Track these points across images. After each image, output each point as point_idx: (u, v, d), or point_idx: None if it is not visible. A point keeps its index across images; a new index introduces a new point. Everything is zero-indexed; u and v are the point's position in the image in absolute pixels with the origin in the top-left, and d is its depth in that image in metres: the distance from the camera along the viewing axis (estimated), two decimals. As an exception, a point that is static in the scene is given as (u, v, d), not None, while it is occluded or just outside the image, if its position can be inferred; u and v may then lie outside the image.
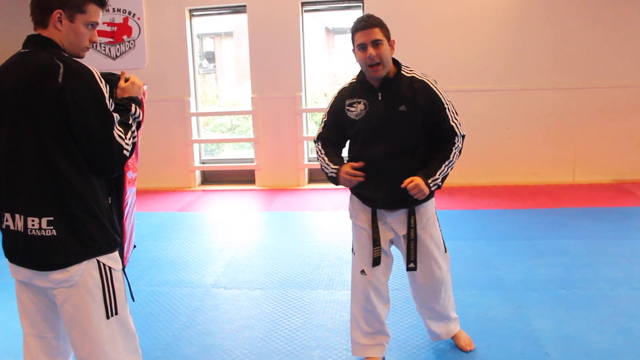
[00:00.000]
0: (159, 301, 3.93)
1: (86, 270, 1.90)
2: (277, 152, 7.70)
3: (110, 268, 1.96)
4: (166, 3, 7.56)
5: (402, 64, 2.74)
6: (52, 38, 1.91)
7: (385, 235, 2.82)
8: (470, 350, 3.09)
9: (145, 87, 2.17)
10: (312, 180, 7.92)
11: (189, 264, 4.66)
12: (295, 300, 3.87)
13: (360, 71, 2.77)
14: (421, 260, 2.83)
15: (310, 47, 7.85)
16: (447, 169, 2.67)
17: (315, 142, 2.92)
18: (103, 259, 1.94)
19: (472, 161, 6.50)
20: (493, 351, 3.10)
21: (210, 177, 8.21)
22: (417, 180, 2.59)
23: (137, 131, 2.05)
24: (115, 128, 1.89)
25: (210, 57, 11.14)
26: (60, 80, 1.79)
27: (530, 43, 7.05)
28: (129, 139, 1.95)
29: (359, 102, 2.71)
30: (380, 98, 2.67)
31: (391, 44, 2.65)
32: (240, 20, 8.22)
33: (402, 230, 2.79)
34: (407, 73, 2.69)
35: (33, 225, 1.85)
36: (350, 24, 2.72)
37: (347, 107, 2.74)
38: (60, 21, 1.89)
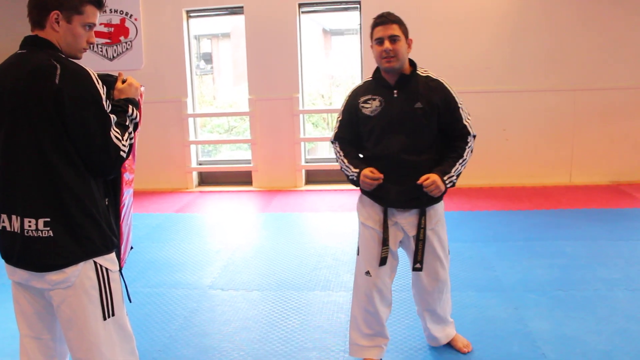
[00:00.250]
0: (156, 302, 3.93)
1: (83, 272, 1.90)
2: (274, 153, 7.69)
3: (107, 269, 1.96)
4: (163, 4, 7.56)
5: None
6: (49, 39, 1.90)
7: (395, 236, 2.82)
8: (468, 352, 3.09)
9: (142, 89, 2.17)
10: (309, 181, 7.92)
11: (186, 266, 4.66)
12: (293, 302, 3.87)
13: (376, 69, 2.79)
14: (427, 262, 2.84)
15: (307, 48, 7.85)
16: (461, 167, 2.70)
17: (332, 142, 2.92)
18: (100, 260, 1.94)
19: (469, 162, 6.44)
20: (490, 352, 3.10)
21: (208, 178, 8.20)
22: (434, 176, 2.61)
23: (134, 132, 2.05)
24: (112, 129, 1.89)
25: (208, 58, 11.14)
26: (57, 81, 1.79)
27: (527, 45, 7.06)
28: (126, 140, 1.95)
29: (374, 99, 2.73)
30: (396, 95, 2.70)
31: (408, 42, 2.69)
32: (237, 22, 8.22)
33: (412, 231, 2.79)
34: (422, 73, 2.75)
35: (30, 226, 1.85)
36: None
37: (362, 104, 2.76)
38: (58, 22, 1.89)
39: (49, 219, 1.84)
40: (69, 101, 1.79)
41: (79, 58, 1.99)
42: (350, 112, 2.82)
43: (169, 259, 4.83)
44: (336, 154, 2.88)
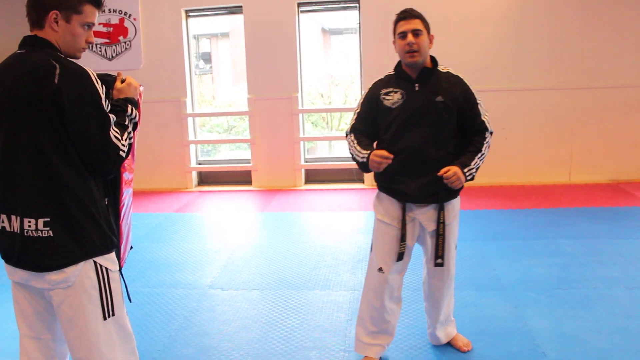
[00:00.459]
0: (156, 302, 3.93)
1: (83, 271, 1.90)
2: (273, 152, 7.69)
3: (107, 269, 1.96)
4: (162, 4, 7.55)
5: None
6: (48, 39, 1.90)
7: (412, 232, 2.84)
8: (468, 351, 3.09)
9: (141, 88, 2.17)
10: (308, 181, 7.92)
11: (186, 265, 4.66)
12: (292, 301, 3.87)
13: (397, 63, 2.82)
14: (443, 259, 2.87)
15: (306, 47, 7.85)
16: (480, 162, 2.72)
17: (347, 134, 2.92)
18: (100, 260, 1.94)
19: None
20: (490, 351, 3.10)
21: (207, 178, 8.20)
22: (455, 168, 2.63)
23: (134, 132, 2.05)
24: (111, 129, 1.89)
25: (207, 57, 11.13)
26: (56, 81, 1.79)
27: (527, 44, 7.07)
28: (126, 140, 1.95)
29: (396, 92, 2.76)
30: (417, 88, 2.73)
31: (430, 37, 2.72)
32: (236, 21, 8.21)
33: (430, 226, 2.81)
34: (443, 69, 2.79)
35: (29, 226, 1.85)
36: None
37: (383, 96, 2.78)
38: (57, 22, 1.89)
39: (48, 219, 1.84)
40: (68, 101, 1.79)
41: (78, 58, 1.99)
42: (371, 103, 2.84)
43: (168, 259, 4.83)
44: (349, 144, 2.86)
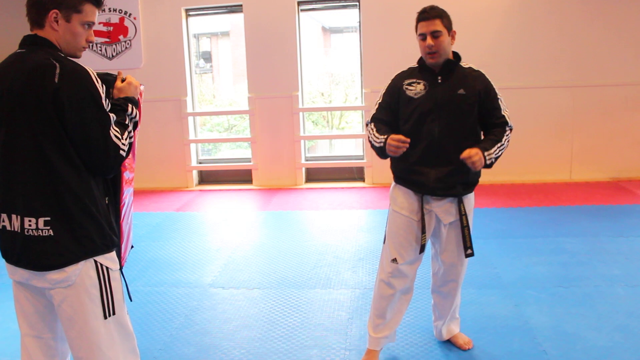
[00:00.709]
0: (157, 301, 3.93)
1: (83, 271, 1.90)
2: (274, 151, 7.70)
3: (107, 268, 1.96)
4: (162, 3, 7.55)
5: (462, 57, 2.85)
6: (48, 38, 1.90)
7: (429, 224, 2.86)
8: (469, 349, 3.10)
9: (141, 87, 2.17)
10: (309, 179, 7.92)
11: (187, 264, 4.66)
12: (293, 300, 3.87)
13: (421, 57, 2.84)
14: (456, 250, 2.90)
15: (306, 46, 7.85)
16: (499, 152, 2.73)
17: (367, 124, 2.93)
18: (100, 259, 1.94)
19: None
20: (491, 349, 3.10)
21: (208, 177, 8.20)
22: (476, 149, 2.63)
23: (134, 131, 2.05)
24: (111, 128, 1.89)
25: (207, 56, 11.13)
26: (56, 80, 1.79)
27: (529, 42, 7.06)
28: (126, 139, 1.95)
29: (419, 83, 2.78)
30: (440, 81, 2.75)
31: (452, 34, 2.74)
32: (236, 20, 8.21)
33: (447, 219, 2.83)
34: (465, 64, 2.82)
35: (30, 225, 1.85)
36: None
37: (406, 86, 2.81)
38: (57, 21, 1.89)
39: (49, 218, 1.84)
40: (68, 100, 1.79)
41: (78, 57, 1.99)
42: (392, 94, 2.86)
43: (169, 258, 4.83)
44: (369, 133, 2.87)
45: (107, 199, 2.01)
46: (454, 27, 2.77)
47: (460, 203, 2.81)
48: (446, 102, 2.71)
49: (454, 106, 2.70)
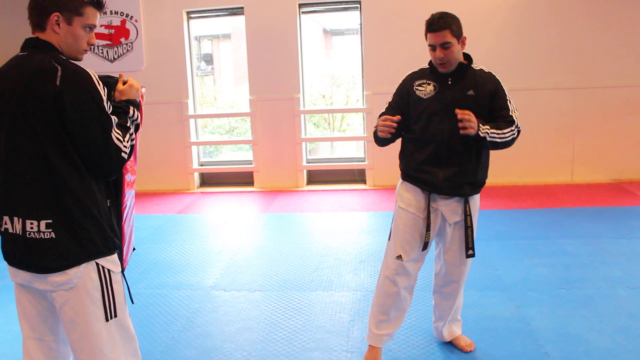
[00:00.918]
0: (158, 304, 3.93)
1: (85, 273, 1.90)
2: (275, 153, 7.70)
3: (109, 270, 1.96)
4: (163, 5, 7.56)
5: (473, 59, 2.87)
6: (50, 41, 1.91)
7: (434, 223, 2.87)
8: (471, 351, 3.09)
9: (143, 90, 2.17)
10: (310, 181, 7.92)
11: (188, 266, 4.66)
12: (295, 302, 3.87)
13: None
14: (460, 251, 2.90)
15: (307, 48, 7.86)
16: (499, 138, 2.69)
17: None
18: (102, 261, 1.94)
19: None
20: (493, 351, 3.10)
21: (209, 179, 8.21)
22: (473, 116, 2.63)
23: (136, 134, 2.05)
24: (113, 130, 1.89)
25: (208, 59, 11.15)
26: (58, 83, 1.79)
27: (530, 44, 7.06)
28: (127, 142, 1.95)
29: (429, 84, 2.82)
30: (450, 82, 2.78)
31: (462, 40, 2.76)
32: (237, 22, 8.23)
33: (453, 218, 2.85)
34: (476, 67, 2.84)
35: (32, 228, 1.85)
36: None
37: (417, 87, 2.84)
38: (58, 24, 1.89)
39: (50, 221, 1.84)
40: (69, 102, 1.79)
41: (79, 60, 1.99)
42: (402, 94, 2.89)
43: (171, 260, 4.83)
44: (375, 129, 2.89)
45: (108, 201, 2.01)
46: None
47: (466, 203, 2.82)
48: (456, 103, 2.71)
49: (462, 107, 2.70)
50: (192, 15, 7.74)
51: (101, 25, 7.37)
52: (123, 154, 1.93)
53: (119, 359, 2.00)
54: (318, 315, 3.65)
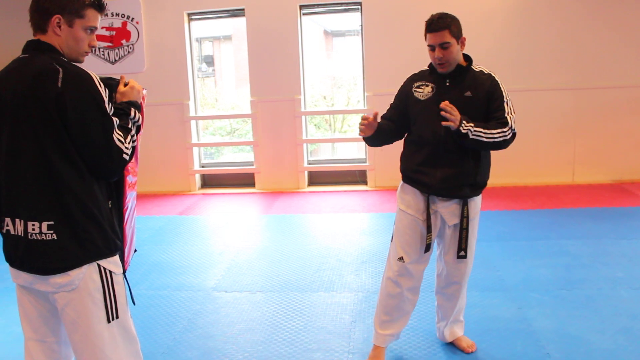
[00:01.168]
0: (160, 305, 3.93)
1: (87, 274, 1.90)
2: (276, 155, 7.70)
3: (110, 272, 1.96)
4: (164, 7, 7.57)
5: (474, 60, 2.87)
6: (51, 43, 1.91)
7: (435, 225, 2.88)
8: (472, 352, 3.09)
9: (144, 91, 2.17)
10: (311, 183, 7.92)
11: (190, 268, 4.66)
12: (296, 303, 3.87)
13: None
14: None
15: (308, 49, 7.86)
16: (484, 136, 2.65)
17: None
18: (104, 262, 1.94)
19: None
20: (494, 352, 3.10)
21: (210, 181, 8.21)
22: (458, 113, 2.64)
23: (137, 135, 2.05)
24: (114, 132, 1.90)
25: (209, 60, 11.16)
26: (59, 84, 1.79)
27: (531, 44, 7.06)
28: (129, 143, 1.96)
29: (427, 85, 2.83)
30: (448, 84, 2.79)
31: (461, 41, 2.77)
32: (238, 24, 8.24)
33: (452, 220, 2.85)
34: (476, 68, 2.84)
35: (33, 229, 1.85)
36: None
37: (415, 89, 2.86)
38: (59, 26, 1.90)
39: (52, 222, 1.85)
40: (71, 104, 1.80)
41: (81, 62, 1.99)
42: (401, 97, 2.93)
43: (172, 262, 4.83)
44: None
45: (110, 202, 2.01)
46: None
47: (465, 205, 2.81)
48: (453, 104, 2.70)
49: (459, 109, 2.69)
50: (193, 17, 7.75)
51: (102, 27, 7.39)
52: (124, 156, 1.93)
53: (120, 360, 2.01)
54: (319, 317, 3.65)
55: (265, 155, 7.73)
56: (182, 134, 7.80)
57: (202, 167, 8.13)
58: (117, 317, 1.98)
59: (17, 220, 1.88)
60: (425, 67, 2.90)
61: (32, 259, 1.88)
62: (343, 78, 10.10)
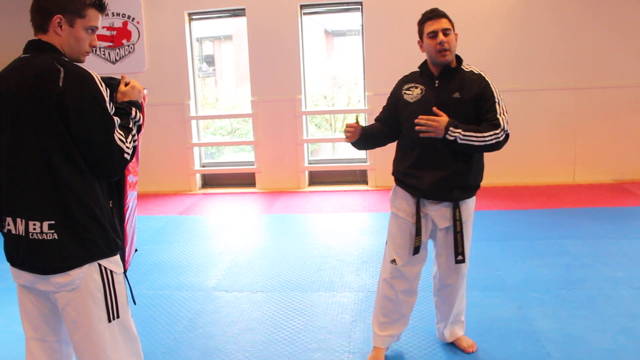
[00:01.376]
0: (161, 305, 3.93)
1: (88, 274, 1.91)
2: (277, 154, 7.70)
3: (111, 271, 1.97)
4: (165, 7, 7.57)
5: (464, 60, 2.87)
6: (52, 43, 1.91)
7: (425, 227, 2.87)
8: (473, 352, 3.09)
9: (145, 91, 2.18)
10: (312, 182, 7.92)
11: (190, 267, 4.66)
12: (297, 303, 3.87)
13: (424, 62, 2.87)
14: (452, 256, 2.88)
15: (309, 49, 7.86)
16: (475, 139, 2.64)
17: None
18: (104, 262, 1.94)
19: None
20: (495, 351, 3.10)
21: (211, 180, 8.21)
22: (445, 118, 2.63)
23: (138, 135, 2.06)
24: (115, 132, 1.90)
25: (210, 60, 11.16)
26: (60, 84, 1.80)
27: (531, 44, 7.06)
28: (130, 143, 1.96)
29: (416, 87, 2.84)
30: (437, 85, 2.78)
31: (455, 35, 2.77)
32: (239, 24, 8.24)
33: (442, 223, 2.84)
34: (466, 68, 2.83)
35: (34, 229, 1.85)
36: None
37: (405, 91, 2.87)
38: (60, 26, 1.90)
39: (53, 222, 1.85)
40: (72, 104, 1.80)
41: (82, 61, 2.00)
42: (392, 99, 2.95)
43: (173, 261, 4.83)
44: None
45: (111, 202, 2.01)
46: (459, 28, 2.81)
47: (456, 208, 2.79)
48: (440, 106, 2.70)
49: (447, 110, 2.68)
50: (193, 17, 7.75)
51: (103, 27, 7.39)
52: (125, 155, 1.93)
53: (121, 360, 2.01)
54: (320, 316, 3.66)
55: (266, 155, 7.73)
56: (183, 134, 7.80)
57: (203, 166, 8.13)
58: (117, 317, 1.98)
59: (18, 220, 1.88)
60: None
61: (33, 258, 1.88)
62: (344, 78, 10.09)
